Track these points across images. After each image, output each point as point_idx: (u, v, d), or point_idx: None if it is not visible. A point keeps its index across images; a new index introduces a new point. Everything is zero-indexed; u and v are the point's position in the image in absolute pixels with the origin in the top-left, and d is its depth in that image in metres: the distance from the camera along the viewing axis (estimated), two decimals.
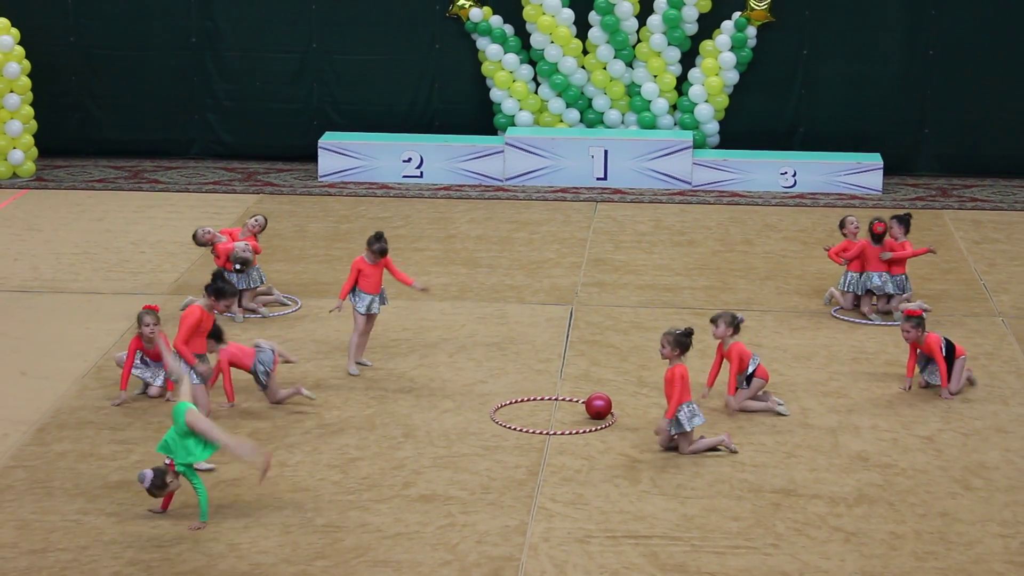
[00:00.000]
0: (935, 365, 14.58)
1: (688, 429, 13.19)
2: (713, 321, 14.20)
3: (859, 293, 16.72)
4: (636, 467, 13.07)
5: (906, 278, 16.74)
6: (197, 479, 11.98)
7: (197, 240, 16.87)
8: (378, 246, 15.00)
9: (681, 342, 13.25)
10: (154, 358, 14.35)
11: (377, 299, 15.05)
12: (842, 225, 16.98)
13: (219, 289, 13.75)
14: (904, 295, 16.67)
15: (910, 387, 14.73)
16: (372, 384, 14.81)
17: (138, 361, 14.43)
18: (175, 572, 11.29)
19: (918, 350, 14.69)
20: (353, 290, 15.01)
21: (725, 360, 14.22)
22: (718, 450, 13.29)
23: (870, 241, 16.63)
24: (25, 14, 22.23)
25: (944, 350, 14.56)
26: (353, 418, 14.05)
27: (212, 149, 23.14)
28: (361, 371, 15.05)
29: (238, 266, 16.38)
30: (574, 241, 19.41)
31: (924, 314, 14.96)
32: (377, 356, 15.35)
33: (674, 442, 13.32)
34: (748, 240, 19.54)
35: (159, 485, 11.90)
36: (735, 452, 13.28)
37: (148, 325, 14.26)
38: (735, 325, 14.11)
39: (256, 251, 16.71)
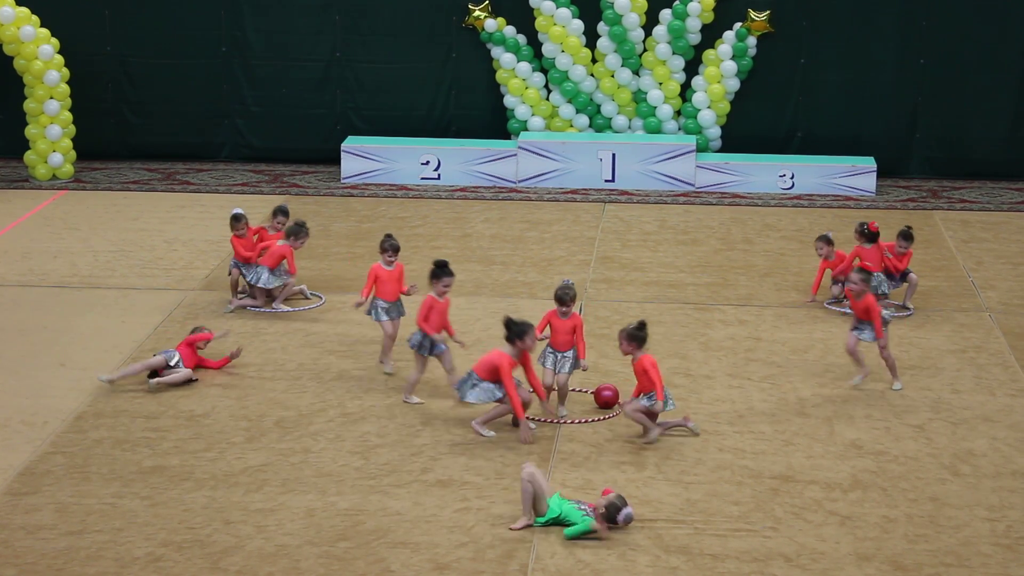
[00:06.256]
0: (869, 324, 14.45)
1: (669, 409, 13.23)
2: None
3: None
4: (642, 454, 13.04)
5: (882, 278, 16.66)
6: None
7: (235, 217, 16.72)
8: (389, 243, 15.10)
9: (636, 336, 13.17)
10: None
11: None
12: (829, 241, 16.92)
13: (441, 272, 14.24)
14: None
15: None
16: (392, 375, 14.78)
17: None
18: (205, 553, 11.28)
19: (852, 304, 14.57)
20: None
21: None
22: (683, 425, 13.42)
23: (863, 244, 16.59)
24: (64, 25, 22.21)
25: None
26: (374, 407, 14.03)
27: (241, 152, 23.12)
28: (381, 364, 15.03)
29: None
30: (583, 240, 19.37)
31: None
32: (396, 349, 15.31)
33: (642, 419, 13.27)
34: (748, 239, 19.49)
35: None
36: (697, 434, 13.34)
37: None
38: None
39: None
